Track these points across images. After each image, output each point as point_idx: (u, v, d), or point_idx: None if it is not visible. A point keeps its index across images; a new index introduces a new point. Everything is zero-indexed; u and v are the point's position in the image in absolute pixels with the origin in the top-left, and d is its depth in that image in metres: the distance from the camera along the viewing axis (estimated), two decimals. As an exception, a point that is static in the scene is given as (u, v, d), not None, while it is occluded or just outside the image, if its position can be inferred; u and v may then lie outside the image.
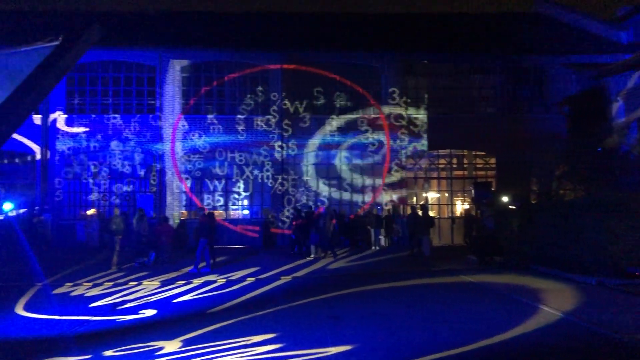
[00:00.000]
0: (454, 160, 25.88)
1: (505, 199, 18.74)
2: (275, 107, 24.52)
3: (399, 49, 25.09)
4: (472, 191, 21.27)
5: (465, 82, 25.74)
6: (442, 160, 25.71)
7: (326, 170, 24.82)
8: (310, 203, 24.19)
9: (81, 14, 27.14)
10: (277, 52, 24.68)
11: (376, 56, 24.99)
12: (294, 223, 20.22)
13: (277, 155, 24.38)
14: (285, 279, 14.23)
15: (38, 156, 23.83)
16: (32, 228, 21.70)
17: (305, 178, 24.70)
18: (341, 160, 24.83)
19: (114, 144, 23.95)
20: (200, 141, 24.23)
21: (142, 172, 24.19)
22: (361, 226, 22.94)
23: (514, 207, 17.82)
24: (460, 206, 25.84)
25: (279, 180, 24.32)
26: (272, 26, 26.90)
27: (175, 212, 23.77)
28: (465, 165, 25.94)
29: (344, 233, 22.54)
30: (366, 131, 24.69)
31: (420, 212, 19.52)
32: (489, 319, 9.42)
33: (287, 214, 23.85)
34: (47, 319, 10.06)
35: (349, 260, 18.23)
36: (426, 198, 25.37)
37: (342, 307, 10.53)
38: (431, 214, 23.11)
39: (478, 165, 25.92)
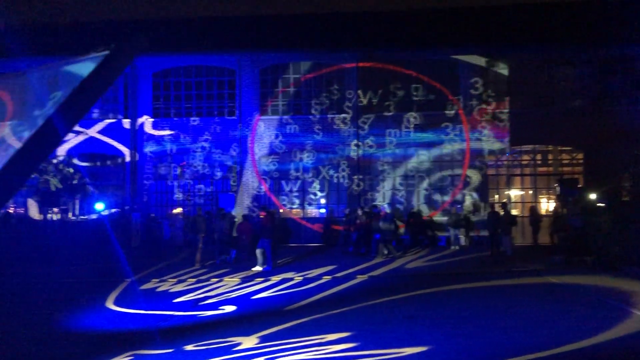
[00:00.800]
0: (538, 156, 24.81)
1: (593, 196, 17.74)
2: (351, 106, 24.53)
3: (480, 42, 24.32)
4: (558, 188, 20.32)
5: (550, 74, 24.54)
6: (525, 157, 24.73)
7: (403, 168, 24.51)
8: (386, 202, 24.02)
9: (151, 21, 27.32)
10: (353, 50, 24.66)
11: (455, 51, 24.39)
12: (357, 222, 19.84)
13: (353, 154, 24.38)
14: (361, 278, 14.21)
15: (127, 158, 25.18)
16: (149, 226, 23.09)
17: (381, 176, 24.53)
18: (419, 157, 24.42)
19: (196, 146, 24.88)
20: (277, 142, 24.67)
21: (222, 173, 24.98)
22: (440, 225, 22.49)
23: (602, 204, 16.84)
24: (546, 204, 24.74)
25: (355, 180, 24.31)
26: (347, 25, 26.89)
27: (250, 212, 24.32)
28: (550, 162, 24.78)
29: (421, 232, 22.17)
30: (445, 127, 24.17)
31: (501, 211, 18.87)
32: (574, 322, 8.96)
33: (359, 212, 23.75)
34: (135, 313, 10.62)
35: (427, 260, 17.94)
36: (508, 196, 24.49)
37: (419, 308, 10.38)
38: (514, 212, 22.31)
39: (564, 161, 24.71)
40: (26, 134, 3.78)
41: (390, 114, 24.42)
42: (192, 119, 25.09)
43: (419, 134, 24.21)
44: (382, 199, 24.29)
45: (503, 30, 25.11)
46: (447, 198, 24.15)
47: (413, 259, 18.09)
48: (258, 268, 15.88)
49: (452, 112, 24.18)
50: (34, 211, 24.16)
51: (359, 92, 24.51)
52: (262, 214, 16.94)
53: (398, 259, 17.87)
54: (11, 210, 23.43)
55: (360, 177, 24.33)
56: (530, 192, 24.54)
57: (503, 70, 24.59)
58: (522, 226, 22.94)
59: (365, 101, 24.49)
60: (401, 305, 10.67)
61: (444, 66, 24.56)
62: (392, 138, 24.31)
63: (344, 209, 22.76)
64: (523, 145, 24.44)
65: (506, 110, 24.12)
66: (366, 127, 24.43)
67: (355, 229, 19.73)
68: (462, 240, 22.01)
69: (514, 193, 24.92)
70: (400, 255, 18.65)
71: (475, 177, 24.02)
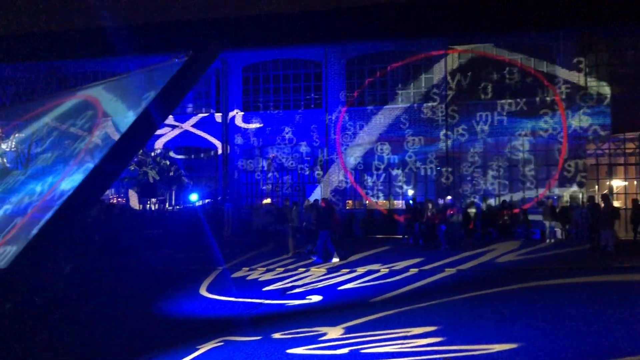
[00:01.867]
0: (644, 144, 23.08)
1: None
2: (440, 94, 23.96)
3: (577, 24, 22.81)
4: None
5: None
6: (629, 145, 23.05)
7: (496, 158, 23.63)
8: (476, 194, 23.33)
9: (239, 17, 28.33)
10: (441, 37, 23.99)
11: (550, 34, 23.10)
12: (428, 214, 19.24)
13: (441, 144, 23.84)
14: (449, 271, 13.91)
15: (219, 151, 26.16)
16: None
17: (471, 167, 23.79)
18: (512, 147, 23.46)
19: (283, 137, 25.37)
20: (363, 132, 24.60)
21: (308, 164, 25.31)
22: (533, 218, 21.54)
23: None
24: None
25: (444, 171, 23.76)
26: (435, 11, 26.22)
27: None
28: (658, 149, 22.99)
29: (512, 225, 21.35)
30: (540, 115, 23.01)
31: (601, 203, 17.75)
32: (683, 324, 8.28)
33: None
34: (226, 301, 11.03)
35: (520, 254, 17.22)
36: (610, 187, 22.98)
37: (509, 303, 10.00)
38: (616, 204, 20.92)
39: (674, 149, 22.80)
40: (123, 129, 4.01)
41: (482, 101, 23.60)
42: (279, 111, 25.60)
43: (513, 122, 23.22)
44: (472, 191, 23.62)
45: (605, 9, 23.45)
46: (542, 189, 23.06)
47: (505, 253, 17.43)
48: (335, 260, 15.95)
49: (549, 98, 23.00)
50: (134, 201, 25.68)
51: (448, 79, 23.88)
52: (322, 204, 17.09)
53: (488, 253, 17.31)
54: (114, 201, 25.05)
55: (450, 168, 23.76)
56: (635, 182, 22.90)
57: (604, 52, 23.01)
58: (627, 219, 21.45)
59: (454, 89, 23.84)
60: (491, 300, 10.33)
61: (538, 51, 23.38)
62: (484, 127, 23.50)
63: (407, 200, 22.30)
64: (627, 132, 22.78)
65: (608, 95, 22.59)
66: (456, 115, 23.80)
67: (421, 221, 19.41)
68: (558, 233, 20.97)
69: (617, 184, 23.36)
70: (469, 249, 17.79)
71: (573, 166, 22.74)
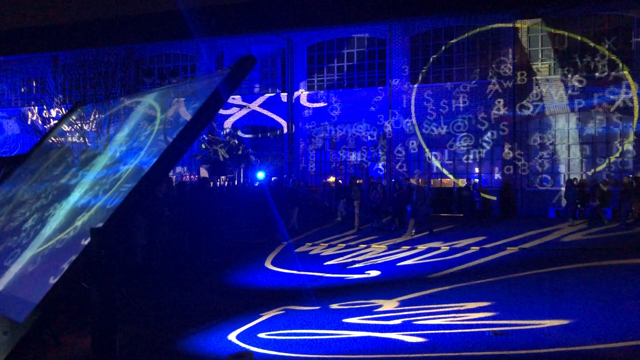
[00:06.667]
0: None
1: None
2: (507, 71, 23.37)
3: None
4: None
5: None
6: None
7: (565, 137, 22.92)
8: (546, 174, 22.78)
9: None
10: (509, 9, 23.32)
11: (628, 5, 21.93)
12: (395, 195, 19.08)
13: (508, 121, 23.32)
14: (511, 250, 13.90)
15: (285, 130, 26.78)
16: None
17: (540, 145, 23.18)
18: (583, 123, 22.62)
19: (347, 116, 25.61)
20: (428, 110, 24.42)
21: (372, 143, 25.47)
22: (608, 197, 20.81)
23: None
24: None
25: (508, 149, 23.28)
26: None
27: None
28: None
29: (583, 202, 20.75)
30: (613, 90, 22.03)
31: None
32: None
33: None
34: (288, 273, 11.63)
35: (588, 234, 16.85)
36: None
37: (568, 282, 9.99)
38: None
39: None
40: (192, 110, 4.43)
41: (550, 77, 22.86)
42: (343, 90, 25.83)
43: (583, 100, 22.37)
44: (539, 168, 23.08)
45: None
46: (616, 167, 22.20)
47: (572, 232, 17.10)
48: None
49: (621, 73, 21.92)
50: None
51: (516, 54, 23.23)
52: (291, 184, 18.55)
53: (556, 232, 17.04)
54: (187, 178, 26.27)
55: (515, 146, 23.25)
56: None
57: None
58: None
59: (522, 64, 23.18)
60: (549, 278, 10.34)
61: (617, 24, 22.26)
62: (555, 104, 22.78)
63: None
64: None
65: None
66: (523, 92, 23.17)
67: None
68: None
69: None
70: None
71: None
